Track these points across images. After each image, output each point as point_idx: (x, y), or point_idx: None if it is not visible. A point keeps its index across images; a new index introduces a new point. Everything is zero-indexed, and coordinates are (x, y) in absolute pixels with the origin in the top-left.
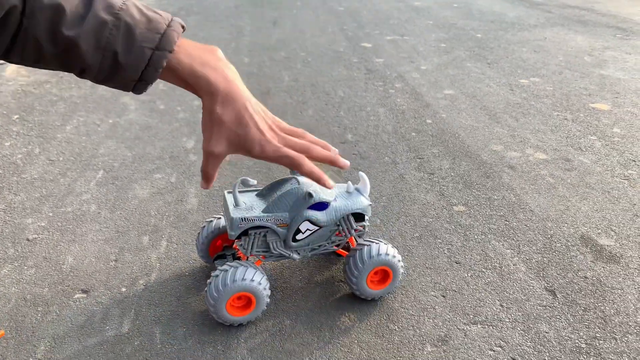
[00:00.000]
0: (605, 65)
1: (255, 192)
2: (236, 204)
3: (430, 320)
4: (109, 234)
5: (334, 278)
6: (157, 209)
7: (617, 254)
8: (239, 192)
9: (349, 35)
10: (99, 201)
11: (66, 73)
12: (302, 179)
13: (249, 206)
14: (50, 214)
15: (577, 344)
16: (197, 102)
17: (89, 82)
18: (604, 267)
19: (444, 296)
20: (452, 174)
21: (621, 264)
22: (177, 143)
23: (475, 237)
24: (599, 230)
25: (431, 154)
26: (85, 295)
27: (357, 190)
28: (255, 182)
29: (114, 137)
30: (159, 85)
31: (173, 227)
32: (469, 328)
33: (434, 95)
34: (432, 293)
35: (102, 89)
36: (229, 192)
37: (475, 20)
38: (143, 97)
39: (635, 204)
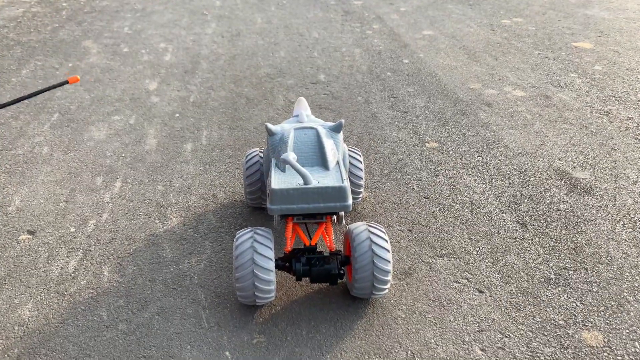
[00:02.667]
0: (590, 5)
1: None
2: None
3: (394, 253)
4: (60, 176)
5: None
6: (114, 150)
7: (592, 187)
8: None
9: None
10: (52, 143)
11: (25, 17)
12: None
13: None
14: (0, 157)
15: (546, 275)
16: (163, 44)
17: (49, 27)
18: (577, 200)
19: (410, 230)
20: (427, 112)
21: (595, 196)
22: (138, 85)
23: (447, 172)
24: (575, 164)
25: (406, 93)
26: (30, 237)
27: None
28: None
29: None
30: (124, 29)
31: (129, 168)
32: (434, 261)
33: (412, 36)
34: (398, 227)
35: (63, 33)
36: None
37: None
38: (106, 40)
39: (613, 138)
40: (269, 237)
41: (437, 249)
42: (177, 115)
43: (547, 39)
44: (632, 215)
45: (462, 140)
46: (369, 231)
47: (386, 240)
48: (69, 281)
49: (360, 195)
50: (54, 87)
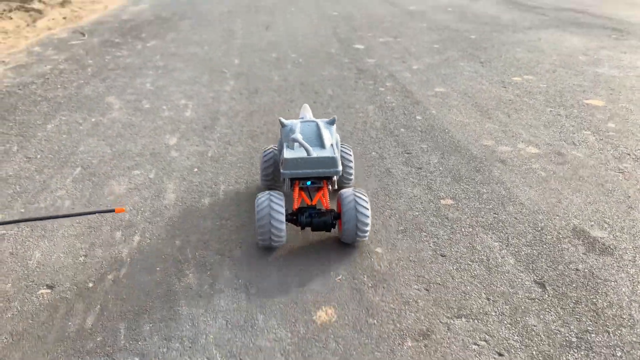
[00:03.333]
0: (600, 63)
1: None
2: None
3: (412, 314)
4: (80, 230)
5: (310, 271)
6: (133, 204)
7: (611, 246)
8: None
9: (341, 38)
10: (73, 197)
11: (52, 74)
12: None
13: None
14: (22, 210)
15: (567, 338)
16: (184, 101)
17: (74, 83)
18: (596, 259)
19: (427, 289)
20: (441, 168)
21: (615, 256)
22: (159, 140)
23: (463, 230)
24: (592, 223)
25: (420, 149)
26: (49, 291)
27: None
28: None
29: (95, 135)
30: (147, 86)
31: (147, 222)
32: (452, 322)
33: (425, 93)
34: (415, 286)
35: (88, 89)
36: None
37: (469, 23)
38: (128, 96)
39: (629, 197)
40: (281, 198)
41: (455, 310)
42: (196, 170)
43: (559, 96)
44: None
45: (477, 197)
46: (354, 194)
47: (366, 201)
48: (86, 337)
49: (351, 181)
50: (99, 212)
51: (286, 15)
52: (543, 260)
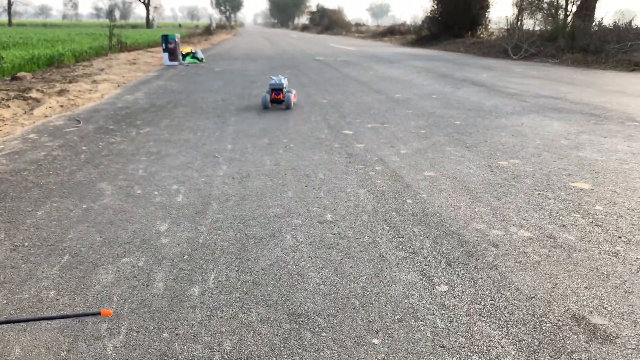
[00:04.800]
0: (582, 147)
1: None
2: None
3: None
4: (64, 322)
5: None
6: (121, 294)
7: (613, 334)
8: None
9: (331, 124)
10: (59, 287)
11: (46, 160)
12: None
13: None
14: (4, 302)
15: None
16: (175, 186)
17: (67, 169)
18: (599, 349)
19: None
20: (434, 253)
21: (617, 345)
22: (150, 226)
23: (460, 318)
24: (591, 309)
25: (412, 233)
26: None
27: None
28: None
29: (86, 222)
30: (139, 172)
31: (135, 314)
32: None
33: (414, 177)
34: None
35: (80, 175)
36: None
37: (453, 109)
38: (121, 182)
39: (626, 281)
40: (268, 96)
41: None
42: (186, 257)
43: (546, 180)
44: None
45: (472, 283)
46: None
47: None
48: None
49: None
50: (83, 315)
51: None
52: (545, 349)
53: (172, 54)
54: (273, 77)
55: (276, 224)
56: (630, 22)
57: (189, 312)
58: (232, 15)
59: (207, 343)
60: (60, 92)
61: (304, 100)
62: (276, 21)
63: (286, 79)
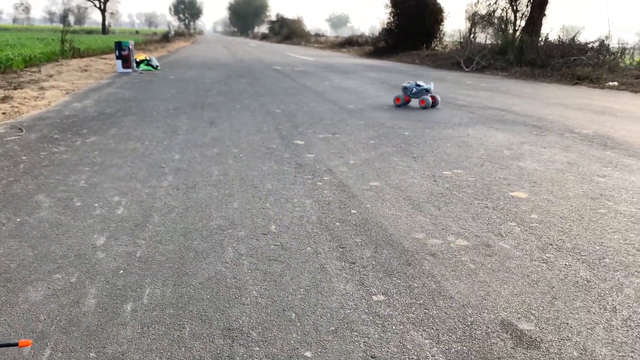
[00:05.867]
0: (523, 157)
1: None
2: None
3: None
4: None
5: None
6: (49, 313)
7: (537, 339)
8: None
9: (283, 134)
10: None
11: None
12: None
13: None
14: None
15: None
16: (117, 198)
17: (4, 180)
18: (524, 354)
19: None
20: (374, 262)
21: (541, 349)
22: (86, 240)
23: (394, 327)
24: (519, 315)
25: (354, 243)
26: None
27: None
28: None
29: (18, 236)
30: (80, 183)
31: (62, 333)
32: None
33: (360, 187)
34: None
35: (17, 187)
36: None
37: (404, 120)
38: (60, 194)
39: (553, 287)
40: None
41: None
42: (122, 272)
43: (486, 189)
44: None
45: (408, 292)
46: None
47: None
48: None
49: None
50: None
51: (231, 112)
52: (473, 357)
53: (126, 61)
54: (423, 83)
55: (218, 236)
56: (574, 38)
57: (120, 329)
58: (191, 23)
59: None
60: (4, 99)
61: (258, 109)
62: (236, 30)
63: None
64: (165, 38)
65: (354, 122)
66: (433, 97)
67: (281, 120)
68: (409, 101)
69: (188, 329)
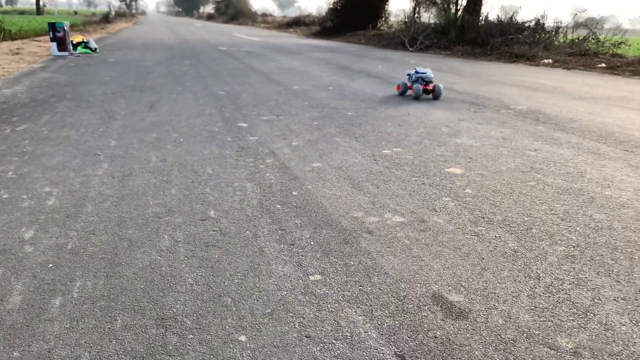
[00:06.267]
0: (460, 134)
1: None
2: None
3: None
4: None
5: None
6: None
7: (466, 309)
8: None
9: (226, 117)
10: None
11: None
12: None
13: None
14: None
15: None
16: (48, 188)
17: None
18: (452, 324)
19: None
20: (312, 243)
21: (469, 319)
22: (13, 234)
23: (329, 306)
24: (450, 287)
25: (294, 225)
26: None
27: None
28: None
29: None
30: (8, 174)
31: None
32: None
33: (302, 169)
34: None
35: None
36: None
37: (347, 100)
38: None
39: (483, 258)
40: (420, 87)
41: None
42: (51, 265)
43: (423, 166)
44: (503, 337)
45: (344, 271)
46: (439, 85)
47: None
48: None
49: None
50: None
51: (172, 95)
52: (404, 330)
53: (61, 44)
54: (422, 70)
55: (154, 224)
56: (512, 17)
57: (47, 325)
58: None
59: (63, 358)
60: None
61: (200, 91)
62: (180, 10)
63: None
64: (106, 19)
65: (299, 104)
66: (431, 86)
67: (224, 102)
68: (411, 88)
69: (120, 320)
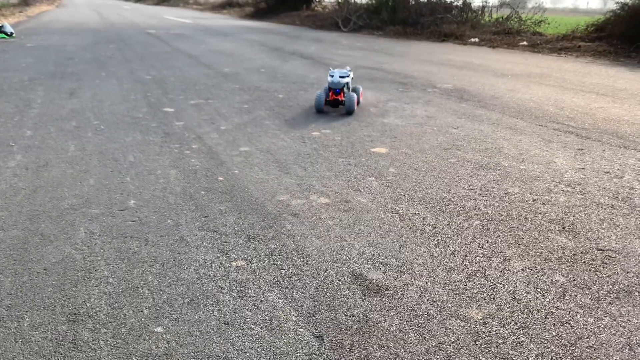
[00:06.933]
0: (387, 114)
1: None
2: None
3: None
4: None
5: None
6: None
7: (384, 287)
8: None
9: (151, 102)
10: None
11: None
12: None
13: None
14: None
15: None
16: None
17: None
18: (370, 302)
19: None
20: (236, 228)
21: (386, 296)
22: None
23: (250, 291)
24: (369, 265)
25: (218, 211)
26: None
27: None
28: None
29: None
30: None
31: None
32: None
33: (230, 153)
34: None
35: None
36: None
37: (279, 82)
38: None
39: (402, 235)
40: (324, 95)
41: None
42: None
43: (350, 147)
44: (417, 311)
45: (267, 255)
46: (350, 94)
47: (354, 97)
48: None
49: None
50: None
51: (95, 81)
52: (323, 311)
53: None
54: (334, 71)
55: (70, 216)
56: None
57: None
58: None
59: None
60: None
61: (126, 77)
62: None
63: (352, 71)
64: (24, 1)
65: (229, 86)
66: (342, 96)
67: (150, 87)
68: (335, 100)
69: (28, 319)
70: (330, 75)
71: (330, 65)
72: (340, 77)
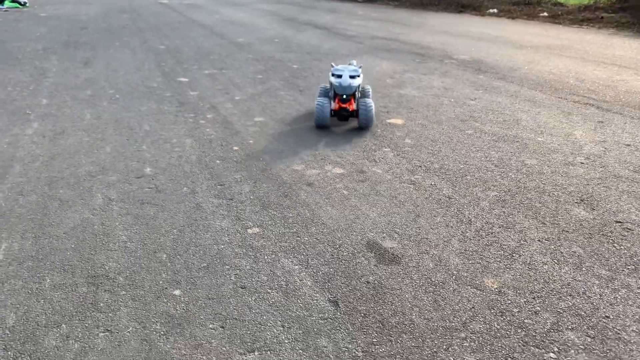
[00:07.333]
0: (404, 85)
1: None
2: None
3: (203, 357)
4: None
5: None
6: None
7: (399, 255)
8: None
9: (165, 71)
10: None
11: None
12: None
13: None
14: None
15: (354, 354)
16: None
17: None
18: (385, 269)
19: (222, 327)
20: (252, 197)
21: (401, 264)
22: None
23: (265, 257)
24: (384, 234)
25: (233, 180)
26: None
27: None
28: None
29: None
30: None
31: None
32: (244, 358)
33: (244, 123)
34: (211, 326)
35: None
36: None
37: (293, 52)
38: None
39: (418, 205)
40: (328, 103)
41: (249, 344)
42: None
43: None
44: (433, 279)
45: (282, 223)
46: (365, 102)
47: (372, 106)
48: None
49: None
50: None
51: (109, 51)
52: (338, 277)
53: None
54: (340, 68)
55: (87, 183)
56: None
57: None
58: None
59: None
60: None
61: (139, 46)
62: None
63: (361, 67)
64: None
65: (243, 56)
66: (353, 105)
67: (164, 57)
68: (344, 111)
69: (48, 280)
70: (336, 76)
71: (345, 35)
72: (351, 77)
